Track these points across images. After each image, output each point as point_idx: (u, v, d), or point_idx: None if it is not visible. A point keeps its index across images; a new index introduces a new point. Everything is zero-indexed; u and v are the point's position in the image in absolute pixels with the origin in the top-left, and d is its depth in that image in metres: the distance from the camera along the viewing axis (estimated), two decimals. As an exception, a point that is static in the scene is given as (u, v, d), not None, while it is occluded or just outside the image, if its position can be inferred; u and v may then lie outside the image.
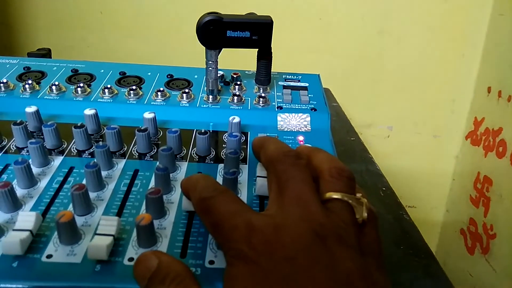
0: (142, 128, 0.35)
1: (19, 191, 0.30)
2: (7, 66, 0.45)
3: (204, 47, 0.38)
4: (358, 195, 0.25)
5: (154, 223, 0.28)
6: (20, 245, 0.25)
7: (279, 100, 0.42)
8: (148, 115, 0.37)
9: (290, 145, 0.37)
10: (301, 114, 0.41)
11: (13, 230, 0.26)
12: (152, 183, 0.32)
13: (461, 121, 1.02)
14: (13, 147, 0.35)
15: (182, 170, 0.34)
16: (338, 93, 0.98)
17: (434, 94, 1.01)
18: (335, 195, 0.24)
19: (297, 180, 0.24)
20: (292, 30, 0.91)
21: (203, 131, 0.35)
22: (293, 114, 0.40)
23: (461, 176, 1.04)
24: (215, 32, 0.35)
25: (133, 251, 0.27)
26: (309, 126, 0.40)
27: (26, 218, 0.27)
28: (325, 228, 0.21)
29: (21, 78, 0.43)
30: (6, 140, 0.36)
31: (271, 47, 0.39)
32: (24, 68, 0.44)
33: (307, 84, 0.46)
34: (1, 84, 0.40)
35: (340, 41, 0.95)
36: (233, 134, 0.35)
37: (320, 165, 0.26)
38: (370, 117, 1.04)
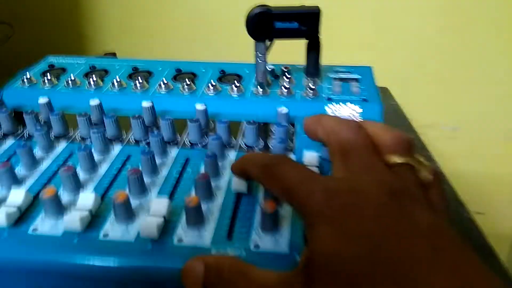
0: (194, 119, 0.37)
1: (82, 175, 0.33)
2: (75, 65, 0.49)
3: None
4: (421, 158, 0.26)
5: (202, 206, 0.29)
6: (80, 223, 0.27)
7: (329, 91, 0.42)
8: (200, 106, 0.38)
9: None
10: (352, 105, 0.40)
11: (74, 210, 0.28)
12: (202, 170, 0.33)
13: (535, 120, 0.94)
14: (78, 137, 0.38)
15: (230, 158, 0.35)
16: (398, 93, 0.95)
17: (505, 92, 0.94)
18: (399, 160, 0.25)
19: (362, 147, 0.25)
20: (348, 27, 0.90)
21: (251, 121, 0.36)
22: (343, 105, 0.40)
23: (535, 180, 0.96)
24: (263, 23, 0.36)
25: (182, 231, 0.28)
26: (360, 117, 0.39)
27: (86, 198, 0.29)
28: (397, 189, 0.22)
29: (87, 75, 0.46)
30: (72, 131, 0.39)
31: (319, 38, 0.39)
32: (90, 67, 0.48)
33: (358, 76, 0.45)
34: (69, 81, 0.44)
35: (399, 38, 0.92)
36: (281, 124, 0.36)
37: (378, 133, 0.27)
38: (433, 117, 0.99)
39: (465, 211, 0.49)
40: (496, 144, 1.00)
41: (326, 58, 0.45)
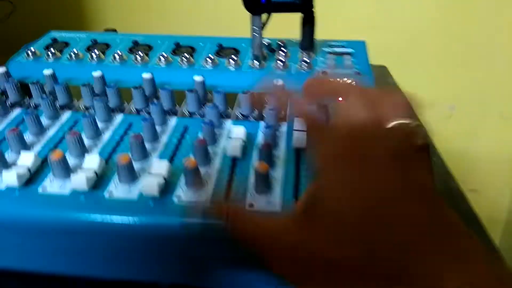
0: (191, 89, 0.38)
1: (86, 142, 0.35)
2: (77, 39, 0.50)
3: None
4: (418, 122, 0.27)
5: (201, 170, 0.31)
6: (87, 183, 0.30)
7: (323, 65, 0.44)
8: (197, 78, 0.40)
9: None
10: (345, 78, 0.42)
11: (81, 171, 0.30)
12: (200, 137, 0.35)
13: (531, 100, 0.95)
14: (82, 107, 0.40)
15: (226, 127, 0.37)
16: (395, 71, 0.95)
17: (502, 71, 0.95)
18: (398, 123, 0.26)
19: (364, 107, 0.27)
20: (346, 5, 0.91)
21: (246, 91, 0.38)
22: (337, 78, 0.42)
23: (529, 159, 0.98)
24: (259, -3, 0.38)
25: (181, 191, 0.30)
26: (352, 89, 0.41)
27: (92, 160, 0.31)
28: (396, 151, 0.24)
29: (89, 49, 0.48)
30: (76, 100, 0.41)
31: (313, 11, 0.40)
32: (91, 41, 0.50)
33: (352, 50, 0.46)
34: (72, 54, 0.45)
35: (397, 16, 0.92)
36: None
37: (380, 97, 0.28)
38: (430, 95, 1.00)
39: (455, 187, 0.51)
40: (492, 123, 1.02)
41: (324, 36, 0.47)
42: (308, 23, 0.42)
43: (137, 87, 0.39)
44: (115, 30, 0.78)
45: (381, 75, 0.92)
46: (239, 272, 0.30)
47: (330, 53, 0.46)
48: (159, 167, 0.30)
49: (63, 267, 0.32)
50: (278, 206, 0.29)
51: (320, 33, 0.45)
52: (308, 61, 0.43)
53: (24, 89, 0.42)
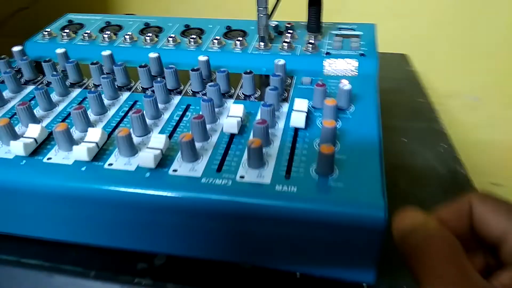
0: (195, 68, 0.39)
1: (92, 117, 0.36)
2: (92, 21, 0.52)
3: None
4: None
5: (196, 145, 0.32)
6: (88, 153, 0.31)
7: (329, 47, 0.43)
8: (202, 58, 0.41)
9: (333, 89, 0.39)
10: (349, 59, 0.41)
11: (83, 142, 0.32)
12: (201, 115, 0.36)
13: (559, 90, 0.92)
14: (91, 85, 0.41)
15: (227, 106, 0.37)
16: (418, 60, 0.94)
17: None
18: None
19: None
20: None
21: (248, 71, 0.38)
22: (340, 59, 0.41)
23: (555, 151, 0.94)
24: (262, -23, 0.38)
25: (177, 164, 0.31)
26: (356, 71, 0.41)
27: (94, 133, 0.32)
28: None
29: (102, 30, 0.49)
30: (87, 79, 0.42)
31: (318, -8, 0.40)
32: (105, 23, 0.51)
33: (360, 33, 0.46)
34: (85, 35, 0.47)
35: (421, 3, 0.90)
36: (276, 74, 0.38)
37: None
38: (454, 86, 0.98)
39: (455, 161, 0.49)
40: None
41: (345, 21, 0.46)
42: (314, 4, 0.42)
43: (143, 66, 0.40)
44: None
45: (400, 63, 0.91)
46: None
47: (337, 35, 0.45)
48: (157, 141, 0.31)
49: (63, 233, 0.34)
50: (268, 179, 0.29)
51: (341, 20, 0.44)
52: (314, 42, 0.43)
53: (38, 68, 0.43)
